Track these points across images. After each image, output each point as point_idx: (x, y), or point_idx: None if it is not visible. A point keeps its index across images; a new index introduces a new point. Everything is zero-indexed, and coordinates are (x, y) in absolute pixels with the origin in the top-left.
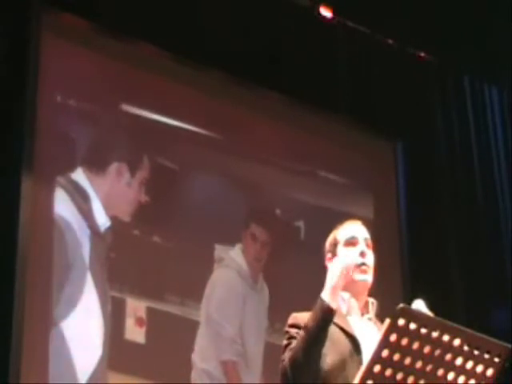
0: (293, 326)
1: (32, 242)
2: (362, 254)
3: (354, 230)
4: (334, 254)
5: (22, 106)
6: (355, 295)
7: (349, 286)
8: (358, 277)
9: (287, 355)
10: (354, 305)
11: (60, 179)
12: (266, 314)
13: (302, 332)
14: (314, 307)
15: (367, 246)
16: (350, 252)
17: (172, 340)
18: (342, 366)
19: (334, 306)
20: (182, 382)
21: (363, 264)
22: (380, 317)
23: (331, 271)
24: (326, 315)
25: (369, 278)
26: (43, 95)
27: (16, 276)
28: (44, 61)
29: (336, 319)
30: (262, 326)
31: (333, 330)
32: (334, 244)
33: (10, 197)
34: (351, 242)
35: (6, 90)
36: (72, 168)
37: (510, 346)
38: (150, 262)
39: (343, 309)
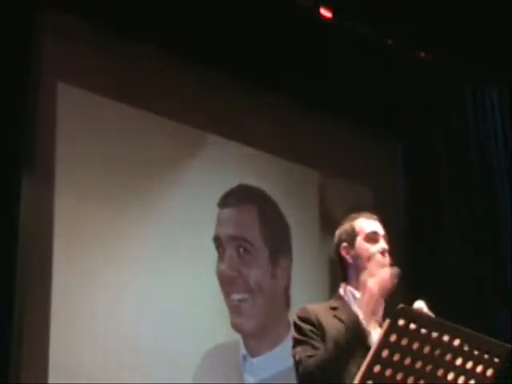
0: (304, 320)
1: (32, 242)
2: (383, 253)
3: (375, 225)
4: (352, 245)
5: (22, 107)
6: None
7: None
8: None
9: (309, 362)
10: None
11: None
12: None
13: (330, 345)
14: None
15: (386, 243)
16: (371, 248)
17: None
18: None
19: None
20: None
21: (384, 264)
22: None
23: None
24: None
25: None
26: (44, 96)
27: (16, 275)
28: (44, 61)
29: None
30: None
31: None
32: (353, 235)
33: (10, 196)
34: (372, 238)
35: (6, 91)
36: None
37: (509, 346)
38: None
39: (354, 308)
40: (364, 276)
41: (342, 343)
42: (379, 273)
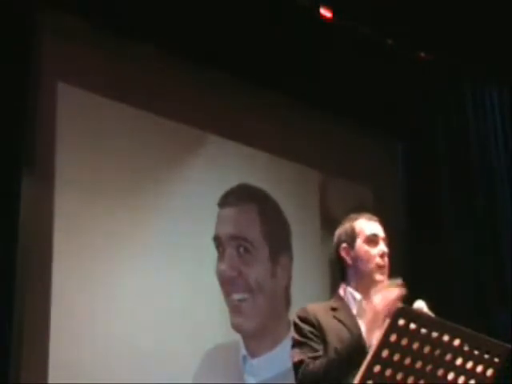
0: (304, 320)
1: (32, 242)
2: (383, 256)
3: (375, 227)
4: (352, 246)
5: (22, 107)
6: (369, 294)
7: (368, 285)
8: (379, 277)
9: (311, 368)
10: (365, 307)
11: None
12: None
13: (333, 355)
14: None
15: (386, 246)
16: (371, 250)
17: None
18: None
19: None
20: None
21: (383, 266)
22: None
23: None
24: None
25: (386, 279)
26: (44, 96)
27: (16, 275)
28: (44, 61)
29: (349, 324)
30: None
31: (345, 334)
32: (353, 236)
33: (10, 196)
34: (373, 240)
35: (6, 91)
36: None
37: (509, 346)
38: None
39: (353, 310)
40: (373, 290)
41: (343, 356)
42: (386, 292)
